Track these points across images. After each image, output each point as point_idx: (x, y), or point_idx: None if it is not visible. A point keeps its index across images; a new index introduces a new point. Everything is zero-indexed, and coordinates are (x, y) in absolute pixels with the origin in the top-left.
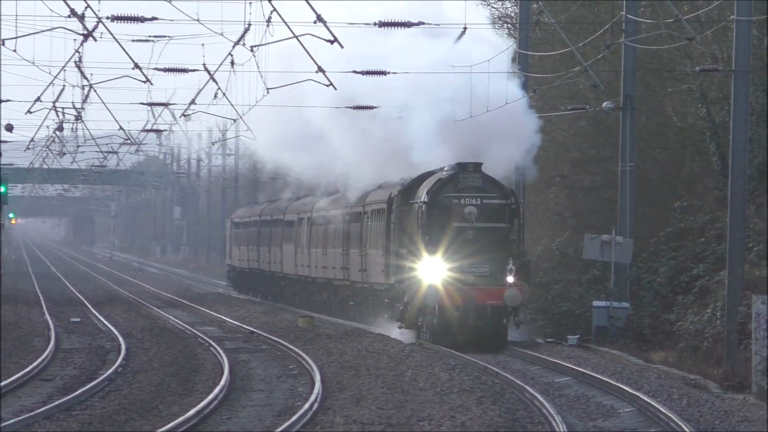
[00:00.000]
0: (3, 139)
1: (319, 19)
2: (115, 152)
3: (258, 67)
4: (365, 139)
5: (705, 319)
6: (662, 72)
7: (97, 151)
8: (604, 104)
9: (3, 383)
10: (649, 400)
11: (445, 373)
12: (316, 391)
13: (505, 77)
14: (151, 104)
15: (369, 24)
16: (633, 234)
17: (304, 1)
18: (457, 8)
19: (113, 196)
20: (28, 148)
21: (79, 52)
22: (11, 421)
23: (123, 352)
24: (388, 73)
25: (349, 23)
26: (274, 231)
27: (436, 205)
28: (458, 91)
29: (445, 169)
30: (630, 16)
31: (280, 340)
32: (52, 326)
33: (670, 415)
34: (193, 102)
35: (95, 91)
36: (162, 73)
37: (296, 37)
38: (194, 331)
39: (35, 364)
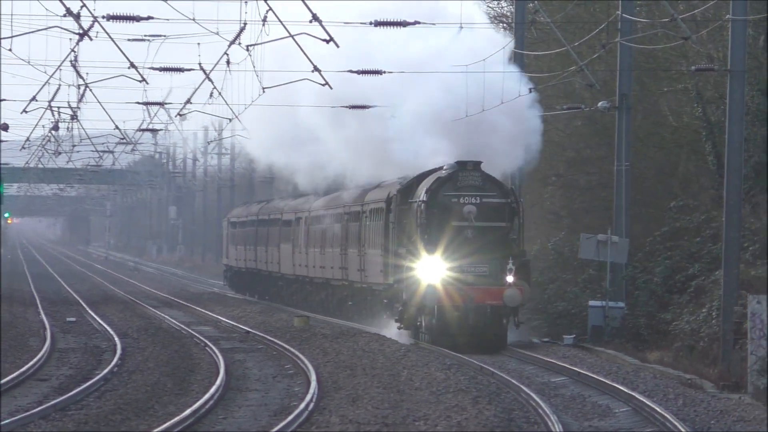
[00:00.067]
0: None
1: (315, 18)
2: (111, 152)
3: (254, 67)
4: (361, 138)
5: (701, 318)
6: (658, 71)
7: (92, 151)
8: (599, 104)
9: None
10: (644, 400)
11: (441, 372)
12: (311, 390)
13: (514, 76)
14: (146, 103)
15: (365, 23)
16: (629, 233)
17: (300, 1)
18: (454, 6)
19: (109, 195)
20: (23, 148)
21: (74, 52)
22: (7, 420)
23: (119, 351)
24: (384, 72)
25: (345, 22)
26: (272, 230)
27: (435, 204)
28: (453, 88)
29: (445, 167)
30: (626, 16)
31: (276, 340)
32: (47, 326)
33: (665, 414)
34: (188, 101)
35: (91, 90)
36: (158, 72)
37: (292, 36)
38: (190, 330)
39: (31, 363)
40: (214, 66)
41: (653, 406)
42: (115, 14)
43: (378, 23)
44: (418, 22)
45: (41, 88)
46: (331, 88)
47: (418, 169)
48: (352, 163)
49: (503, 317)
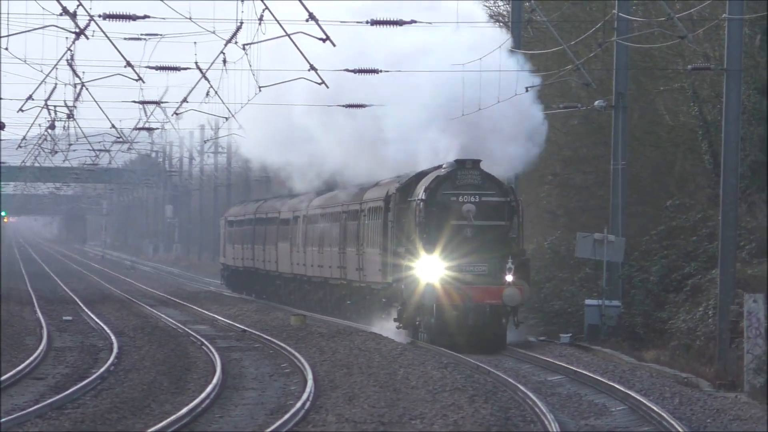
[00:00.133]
0: None
1: (311, 17)
2: (107, 150)
3: (250, 66)
4: (358, 137)
5: (697, 317)
6: (654, 70)
7: (89, 150)
8: (596, 103)
9: None
10: (641, 399)
11: (438, 371)
12: (308, 389)
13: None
14: (143, 102)
15: (361, 22)
16: (625, 232)
17: (296, 0)
18: (451, 4)
19: (105, 194)
20: (19, 146)
21: (71, 50)
22: (3, 419)
23: (115, 350)
24: (380, 71)
25: (341, 21)
26: (269, 229)
27: (434, 202)
28: (452, 86)
29: (444, 166)
30: (622, 15)
31: (273, 339)
32: (44, 325)
33: (662, 413)
34: (185, 100)
35: (87, 89)
36: (154, 71)
37: (288, 35)
38: (186, 329)
39: (27, 362)
40: (211, 65)
41: (650, 404)
42: (111, 13)
43: (374, 22)
44: (415, 21)
45: (38, 87)
46: (327, 87)
47: (415, 167)
48: (349, 161)
49: (502, 317)
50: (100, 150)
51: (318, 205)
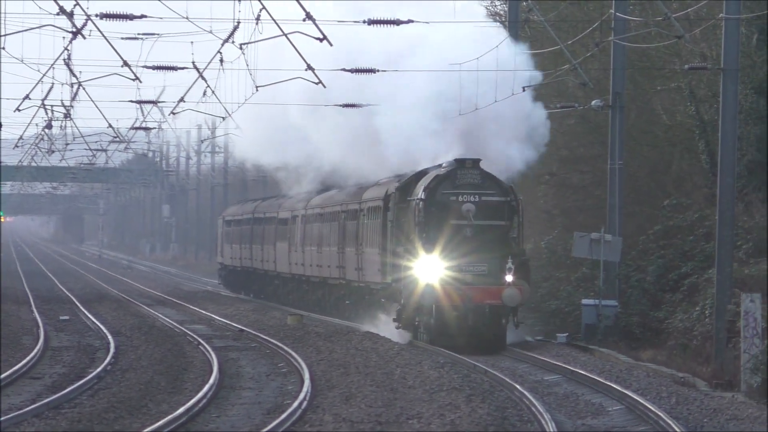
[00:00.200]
0: None
1: (308, 16)
2: (104, 150)
3: (247, 65)
4: (356, 136)
5: (694, 317)
6: (651, 70)
7: (86, 149)
8: (593, 102)
9: None
10: (638, 398)
11: (434, 371)
12: (305, 389)
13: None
14: (140, 102)
15: (358, 22)
16: (622, 232)
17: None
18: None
19: (102, 194)
20: (16, 146)
21: (68, 50)
22: (2, 419)
23: (112, 350)
24: (377, 70)
25: (339, 21)
26: (268, 229)
27: (434, 202)
28: (452, 84)
29: (443, 165)
30: (619, 14)
31: (270, 339)
32: (41, 324)
33: (659, 413)
34: (182, 100)
35: (84, 88)
36: (151, 70)
37: (285, 35)
38: (183, 329)
39: (24, 362)
40: (208, 64)
41: (646, 404)
42: (108, 13)
43: (371, 22)
44: (412, 21)
45: (34, 87)
46: (324, 86)
47: (413, 167)
48: (347, 161)
49: (502, 317)
50: (97, 149)
51: (317, 204)
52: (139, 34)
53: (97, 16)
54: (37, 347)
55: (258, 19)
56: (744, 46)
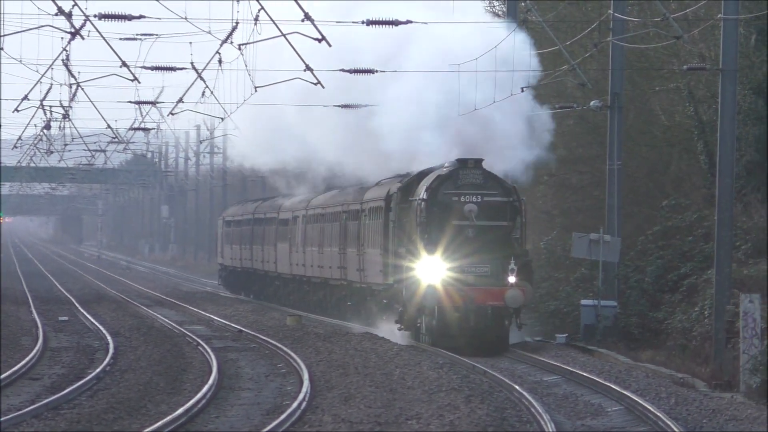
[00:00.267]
0: None
1: (307, 17)
2: (103, 150)
3: (246, 66)
4: (355, 136)
5: (693, 317)
6: (650, 71)
7: (84, 150)
8: (591, 103)
9: None
10: (637, 399)
11: (433, 371)
12: (304, 389)
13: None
14: (138, 102)
15: (357, 22)
16: (621, 232)
17: (292, 0)
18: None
19: (101, 194)
20: (15, 147)
21: (66, 51)
22: (1, 419)
23: (111, 350)
24: (376, 71)
25: (337, 21)
26: (268, 229)
27: (436, 202)
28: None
29: (446, 165)
30: (617, 15)
31: (269, 339)
32: (39, 325)
33: (658, 413)
34: (180, 100)
35: (83, 89)
36: (149, 71)
37: (284, 35)
38: (182, 329)
39: (23, 362)
40: (206, 65)
41: (646, 405)
42: (106, 13)
43: (369, 22)
44: (410, 21)
45: (33, 87)
46: (323, 87)
47: (411, 166)
48: (346, 161)
49: (505, 318)
50: (96, 150)
51: (318, 204)
52: (137, 34)
53: (95, 16)
54: (36, 348)
55: (256, 19)
56: (742, 47)
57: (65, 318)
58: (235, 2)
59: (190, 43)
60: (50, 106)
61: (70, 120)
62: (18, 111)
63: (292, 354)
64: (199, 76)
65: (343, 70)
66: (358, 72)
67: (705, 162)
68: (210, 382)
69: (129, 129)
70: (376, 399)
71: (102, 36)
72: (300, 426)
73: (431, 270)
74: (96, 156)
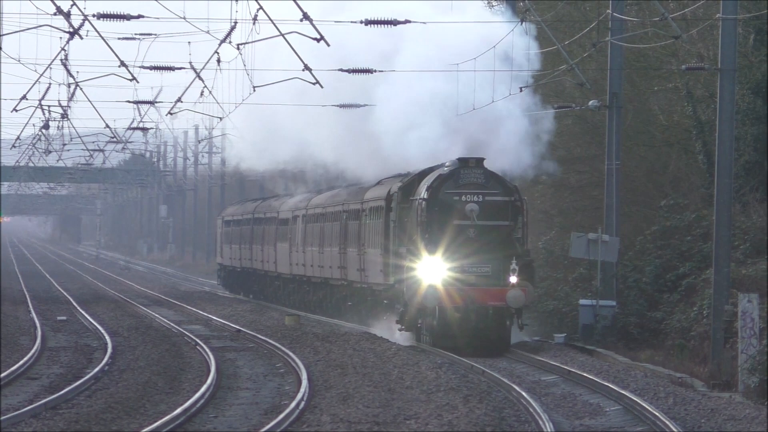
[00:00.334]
0: None
1: (306, 17)
2: (102, 150)
3: (244, 66)
4: (353, 136)
5: (691, 317)
6: (648, 70)
7: (83, 149)
8: (590, 102)
9: None
10: (635, 399)
11: (432, 371)
12: (302, 389)
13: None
14: (137, 102)
15: (355, 22)
16: (619, 232)
17: (291, 0)
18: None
19: (99, 194)
20: (13, 146)
21: (65, 50)
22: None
23: (109, 350)
24: (374, 71)
25: (336, 21)
26: (268, 229)
27: (437, 202)
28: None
29: (447, 164)
30: (616, 15)
31: (267, 339)
32: (38, 325)
33: (656, 413)
34: (179, 100)
35: (81, 89)
36: (148, 71)
37: (282, 35)
38: (181, 329)
39: (22, 362)
40: (205, 65)
41: (644, 404)
42: (105, 13)
43: (368, 22)
44: (409, 21)
45: (31, 87)
46: (321, 87)
47: (409, 165)
48: (345, 160)
49: (506, 319)
50: (94, 150)
51: (318, 204)
52: (136, 34)
53: (94, 16)
54: (35, 348)
55: (255, 19)
56: (741, 47)
57: (64, 318)
58: (233, 2)
59: (189, 42)
60: (49, 106)
61: (68, 119)
62: (16, 111)
63: (291, 354)
64: (198, 75)
65: (341, 70)
66: (357, 72)
67: (704, 162)
68: (208, 381)
69: (127, 128)
70: (375, 399)
71: (100, 36)
72: (298, 426)
73: (432, 270)
74: (94, 156)
